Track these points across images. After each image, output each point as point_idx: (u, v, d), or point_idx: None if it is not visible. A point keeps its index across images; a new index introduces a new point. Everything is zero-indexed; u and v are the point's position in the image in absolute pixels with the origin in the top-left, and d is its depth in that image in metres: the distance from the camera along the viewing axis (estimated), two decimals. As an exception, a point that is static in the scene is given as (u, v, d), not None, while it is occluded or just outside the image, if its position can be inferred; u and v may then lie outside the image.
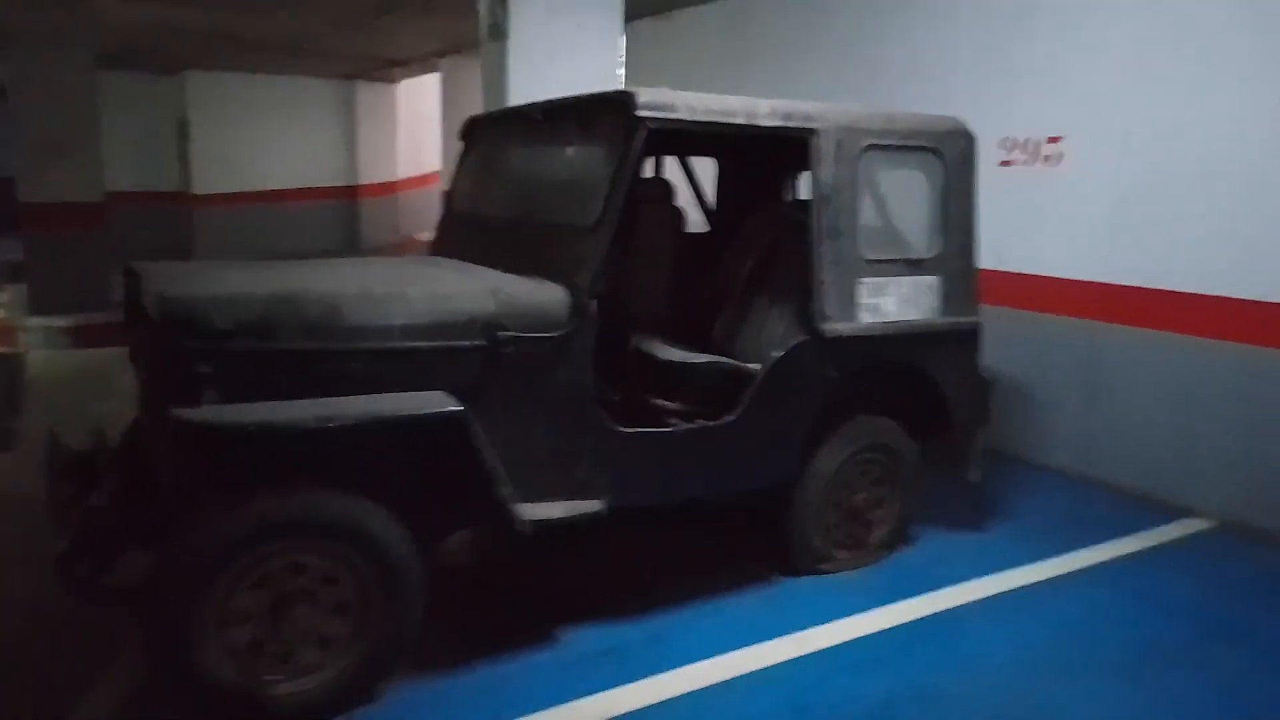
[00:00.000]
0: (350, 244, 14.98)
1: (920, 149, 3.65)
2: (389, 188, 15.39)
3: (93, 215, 8.23)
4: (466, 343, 2.83)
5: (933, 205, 3.74)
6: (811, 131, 3.33)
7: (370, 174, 15.22)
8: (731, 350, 3.77)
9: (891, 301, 3.58)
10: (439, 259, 3.55)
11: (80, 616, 3.18)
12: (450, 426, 2.66)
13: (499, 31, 4.70)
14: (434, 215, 15.06)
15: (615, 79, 4.90)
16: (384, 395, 2.65)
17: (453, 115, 11.67)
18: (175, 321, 2.48)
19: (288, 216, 14.45)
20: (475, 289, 2.91)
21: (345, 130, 14.93)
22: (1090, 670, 3.11)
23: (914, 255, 3.68)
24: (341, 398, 2.59)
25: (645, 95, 2.97)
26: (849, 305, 3.46)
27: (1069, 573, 3.84)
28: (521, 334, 2.87)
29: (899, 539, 3.93)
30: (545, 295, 2.94)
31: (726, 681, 2.94)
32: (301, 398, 2.57)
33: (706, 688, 2.90)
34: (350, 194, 15.16)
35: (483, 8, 4.85)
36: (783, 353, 3.35)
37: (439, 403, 2.66)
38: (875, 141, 3.49)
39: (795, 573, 3.67)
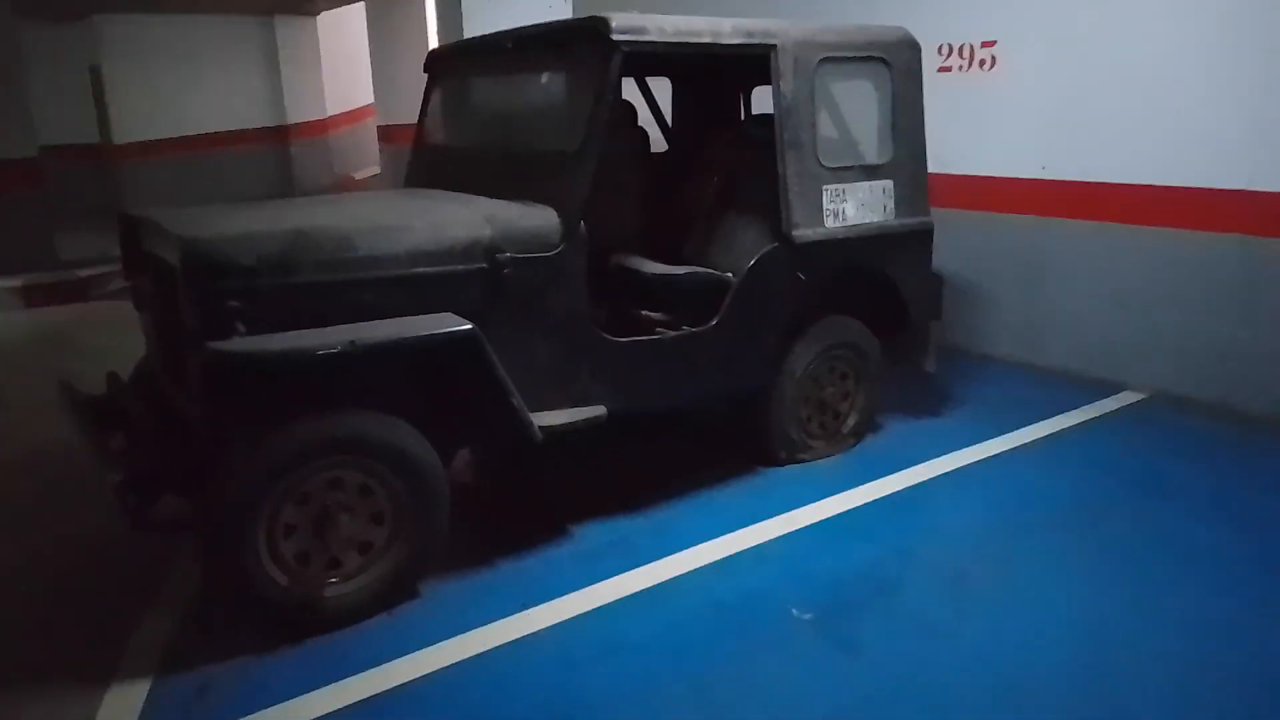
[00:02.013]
0: (283, 187, 14.71)
1: (870, 59, 3.87)
2: (319, 127, 15.09)
3: (30, 171, 8.04)
4: (468, 266, 3.01)
5: (883, 113, 3.97)
6: (771, 47, 3.52)
7: (298, 113, 14.89)
8: (704, 262, 4.00)
9: (851, 206, 3.84)
10: (422, 190, 3.68)
11: (120, 552, 3.38)
12: (465, 344, 2.85)
13: (450, -38, 4.75)
14: (369, 152, 14.91)
15: (565, 4, 4.99)
16: (400, 319, 2.84)
17: (382, 48, 11.51)
18: (203, 260, 2.61)
19: (216, 162, 14.11)
20: (472, 216, 3.08)
21: (268, 69, 14.54)
22: (1040, 527, 3.49)
23: (869, 161, 3.92)
24: (361, 323, 2.77)
25: (619, 20, 3.12)
26: (813, 212, 3.71)
27: (1019, 446, 4.23)
28: (518, 255, 3.07)
29: (867, 428, 4.26)
30: (538, 218, 3.13)
31: (728, 559, 3.25)
32: (320, 326, 2.74)
33: (709, 564, 3.21)
34: (279, 136, 14.83)
35: (431, -62, 4.86)
36: (755, 259, 3.60)
37: (453, 323, 2.86)
38: (829, 54, 3.70)
39: (776, 463, 3.98)
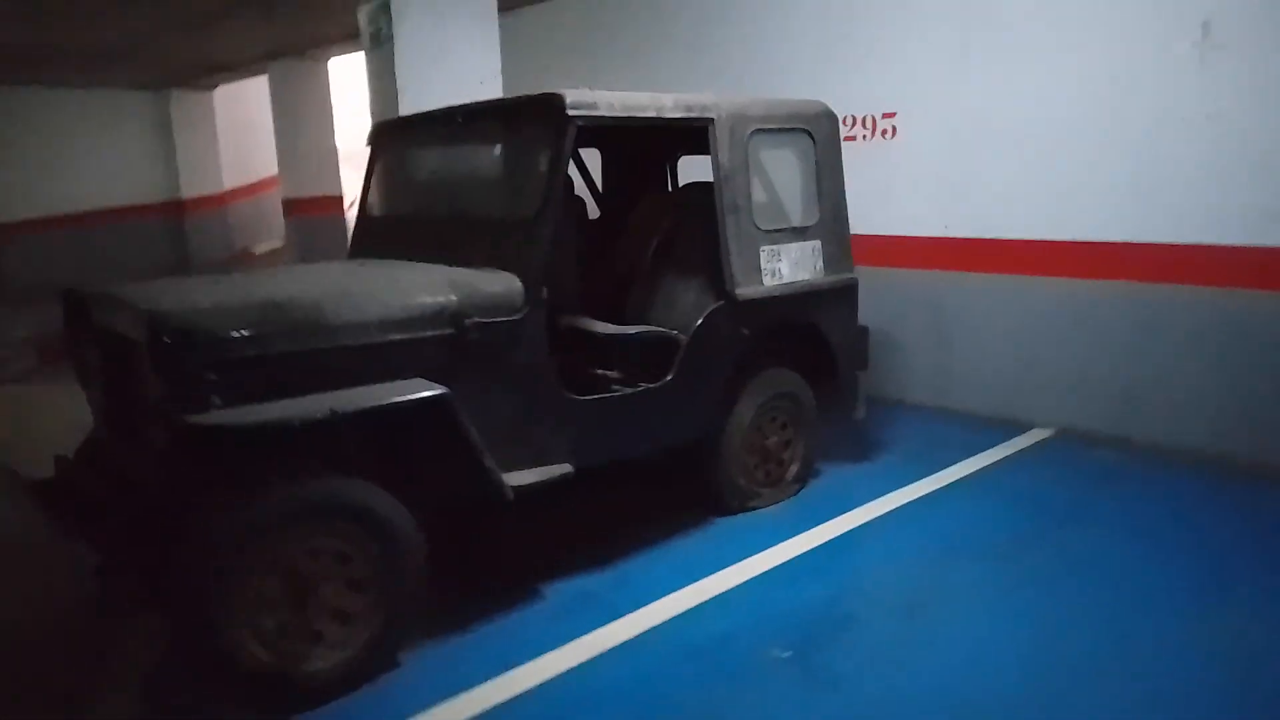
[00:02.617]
0: (179, 262, 14.29)
1: (795, 130, 4.16)
2: (216, 200, 14.77)
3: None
4: (435, 332, 3.09)
5: (808, 178, 4.26)
6: (710, 120, 3.77)
7: (193, 187, 14.55)
8: (645, 321, 4.17)
9: (785, 265, 4.09)
10: (374, 260, 3.73)
11: (73, 631, 3.27)
12: (438, 408, 2.92)
13: (381, 39, 4.86)
14: (268, 225, 14.69)
15: (495, 77, 5.16)
16: (375, 386, 2.89)
17: (286, 121, 11.44)
18: (176, 334, 2.62)
19: (106, 238, 13.61)
20: (436, 282, 3.17)
21: (162, 142, 14.19)
22: (977, 558, 3.72)
23: (798, 224, 4.19)
24: (337, 392, 2.81)
25: (572, 96, 3.31)
26: (753, 271, 3.94)
27: (947, 484, 4.50)
28: (484, 320, 3.16)
29: (808, 474, 4.47)
30: (501, 283, 3.24)
31: (695, 607, 3.35)
32: (294, 396, 2.77)
33: (679, 614, 3.30)
34: (174, 210, 14.44)
35: (363, 18, 4.99)
36: (703, 317, 3.79)
37: (426, 388, 2.92)
38: (760, 125, 3.97)
39: (727, 512, 4.13)
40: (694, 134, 3.88)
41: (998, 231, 5.44)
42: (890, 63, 5.68)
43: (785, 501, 4.31)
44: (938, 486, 4.47)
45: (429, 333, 3.08)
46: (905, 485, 4.46)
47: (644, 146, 4.98)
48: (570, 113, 3.28)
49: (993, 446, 5.00)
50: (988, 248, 5.50)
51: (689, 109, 3.71)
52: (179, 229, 14.48)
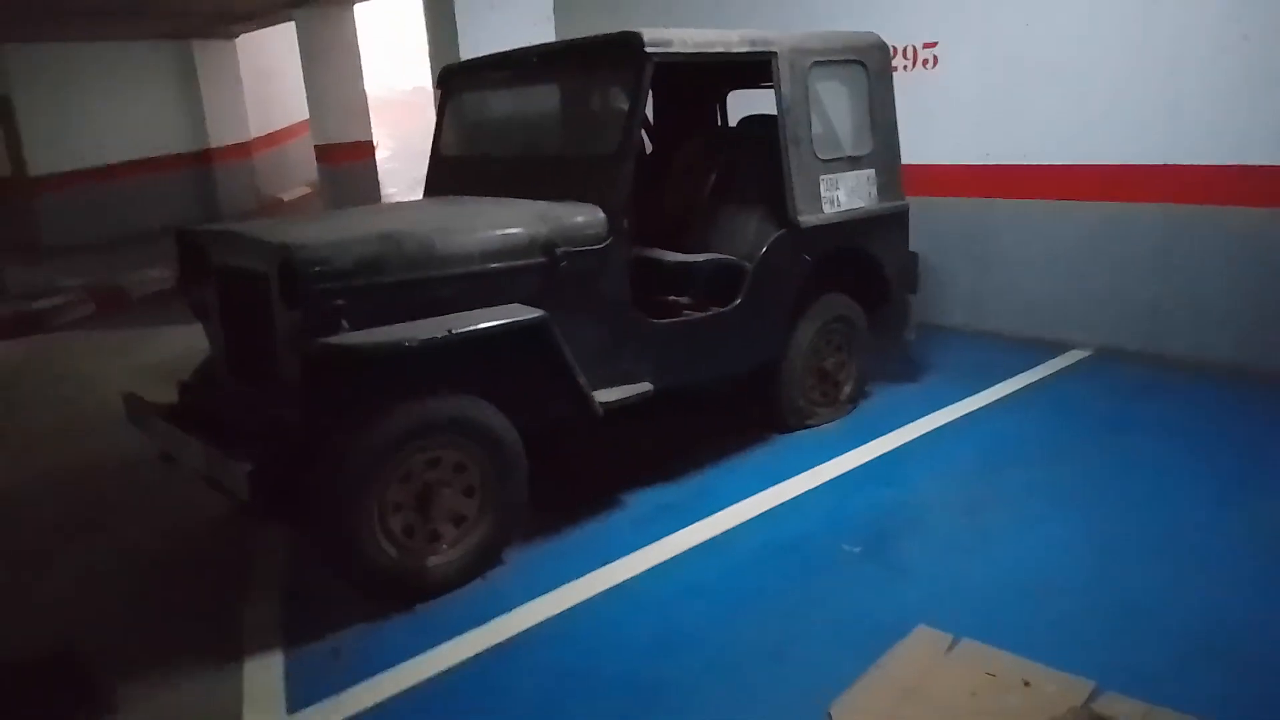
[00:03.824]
0: (209, 212, 14.50)
1: (850, 62, 4.32)
2: (243, 150, 14.93)
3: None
4: (529, 261, 3.33)
5: (862, 109, 4.43)
6: (772, 54, 3.94)
7: (220, 137, 14.69)
8: (706, 251, 4.38)
9: (843, 194, 4.28)
10: (459, 197, 3.94)
11: (199, 542, 3.61)
12: (538, 330, 3.17)
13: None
14: (295, 173, 14.88)
15: (548, 19, 5.31)
16: (482, 310, 3.13)
17: (315, 68, 11.52)
18: (309, 266, 2.86)
19: (137, 190, 13.81)
20: (528, 215, 3.39)
21: (188, 93, 14.31)
22: (1029, 463, 3.98)
23: (854, 153, 4.37)
24: (450, 315, 3.06)
25: (649, 34, 3.48)
26: (814, 200, 4.14)
27: (994, 401, 4.74)
28: (572, 250, 3.39)
29: (861, 394, 4.71)
30: (587, 215, 3.46)
31: (769, 510, 3.63)
32: (409, 320, 3.02)
33: (755, 517, 3.58)
34: (202, 160, 14.60)
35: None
36: (768, 244, 4.00)
37: (526, 311, 3.17)
38: (818, 59, 4.13)
39: (787, 430, 4.39)
40: (752, 69, 4.04)
41: (1035, 158, 5.60)
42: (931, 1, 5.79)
43: (840, 420, 4.56)
44: (985, 403, 4.71)
45: (524, 261, 3.31)
46: (954, 403, 4.71)
47: (695, 82, 5.13)
48: (648, 50, 3.46)
49: (1033, 366, 5.23)
50: (1025, 174, 5.66)
51: (754, 44, 3.88)
52: (208, 178, 14.65)
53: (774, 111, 4.01)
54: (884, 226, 4.52)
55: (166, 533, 3.80)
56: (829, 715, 2.39)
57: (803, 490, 3.80)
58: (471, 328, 2.99)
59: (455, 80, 4.38)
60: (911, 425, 4.44)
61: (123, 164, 13.77)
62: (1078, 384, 4.96)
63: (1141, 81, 5.04)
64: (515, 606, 3.02)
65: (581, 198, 3.52)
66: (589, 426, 3.49)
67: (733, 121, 5.25)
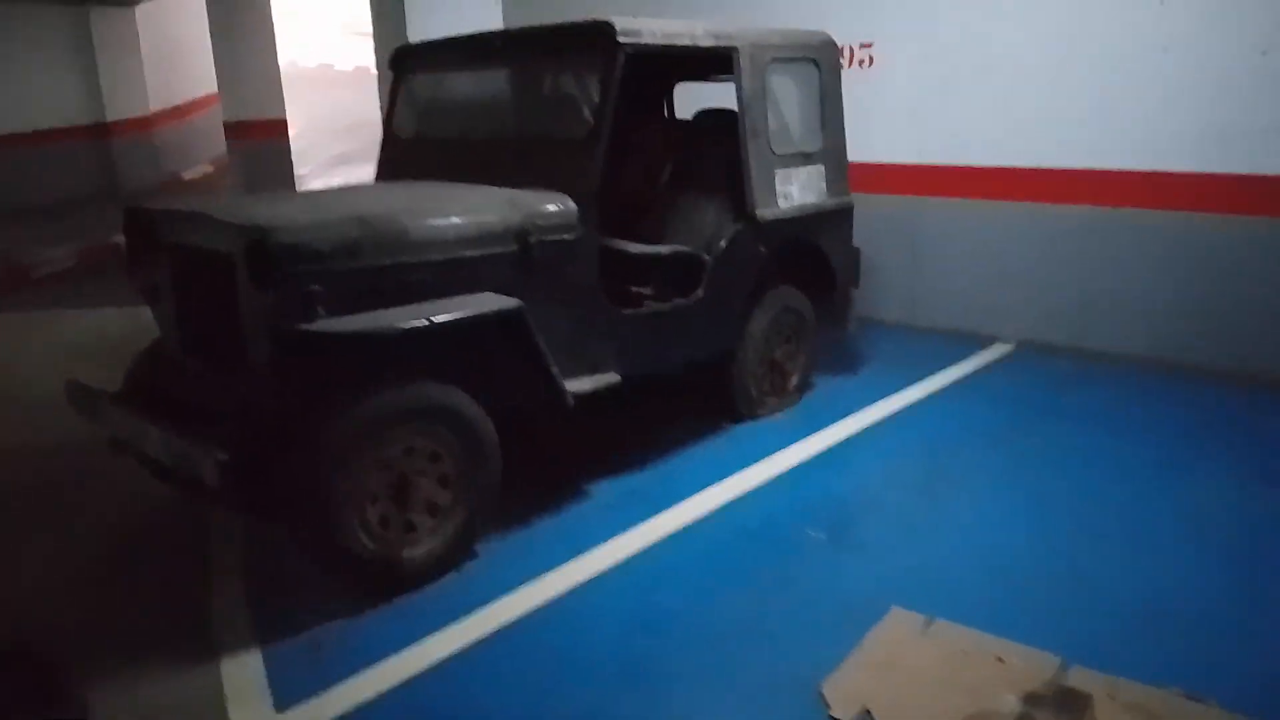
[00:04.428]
0: (106, 189, 13.77)
1: (804, 59, 4.42)
2: (144, 124, 14.21)
3: None
4: (503, 249, 3.31)
5: (814, 106, 4.54)
6: (734, 49, 4.00)
7: (118, 110, 13.95)
8: (660, 241, 4.42)
9: (796, 189, 4.38)
10: (422, 182, 3.86)
11: (157, 531, 3.49)
12: (513, 319, 3.16)
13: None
14: (198, 150, 14.30)
15: (495, 2, 5.25)
16: (457, 298, 3.10)
17: (226, 41, 11.07)
18: (284, 247, 2.78)
19: (28, 162, 13.01)
20: (501, 202, 3.37)
21: (83, 62, 13.52)
22: (971, 448, 4.18)
23: (806, 149, 4.48)
24: (426, 303, 3.02)
25: (620, 23, 3.50)
26: (770, 194, 4.23)
27: (932, 391, 4.94)
28: (544, 239, 3.39)
29: (807, 384, 4.84)
30: (558, 204, 3.46)
31: (735, 499, 3.71)
32: (380, 308, 2.97)
33: (721, 505, 3.66)
34: (99, 133, 13.83)
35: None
36: (729, 237, 4.07)
37: (502, 300, 3.15)
38: (776, 55, 4.22)
39: (739, 419, 4.48)
40: (710, 62, 4.09)
41: (967, 158, 5.83)
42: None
43: (790, 409, 4.68)
44: (924, 394, 4.90)
45: (497, 249, 3.29)
46: (895, 393, 4.88)
47: (646, 73, 5.15)
48: (621, 40, 3.47)
49: (965, 358, 5.46)
50: (957, 174, 5.89)
51: (718, 38, 3.93)
52: (105, 153, 13.90)
53: (723, 105, 4.07)
54: (832, 222, 4.65)
55: (114, 521, 3.66)
56: (821, 693, 2.47)
57: (764, 478, 3.89)
58: (452, 316, 2.96)
59: (411, 61, 4.29)
60: (857, 415, 4.59)
61: (12, 135, 12.95)
62: (1009, 374, 5.22)
63: (1070, 88, 5.31)
64: (495, 597, 3.01)
65: (550, 185, 3.51)
66: (558, 416, 3.49)
67: (681, 114, 5.31)
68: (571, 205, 3.47)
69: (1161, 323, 5.24)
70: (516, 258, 3.34)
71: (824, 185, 4.56)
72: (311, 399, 2.88)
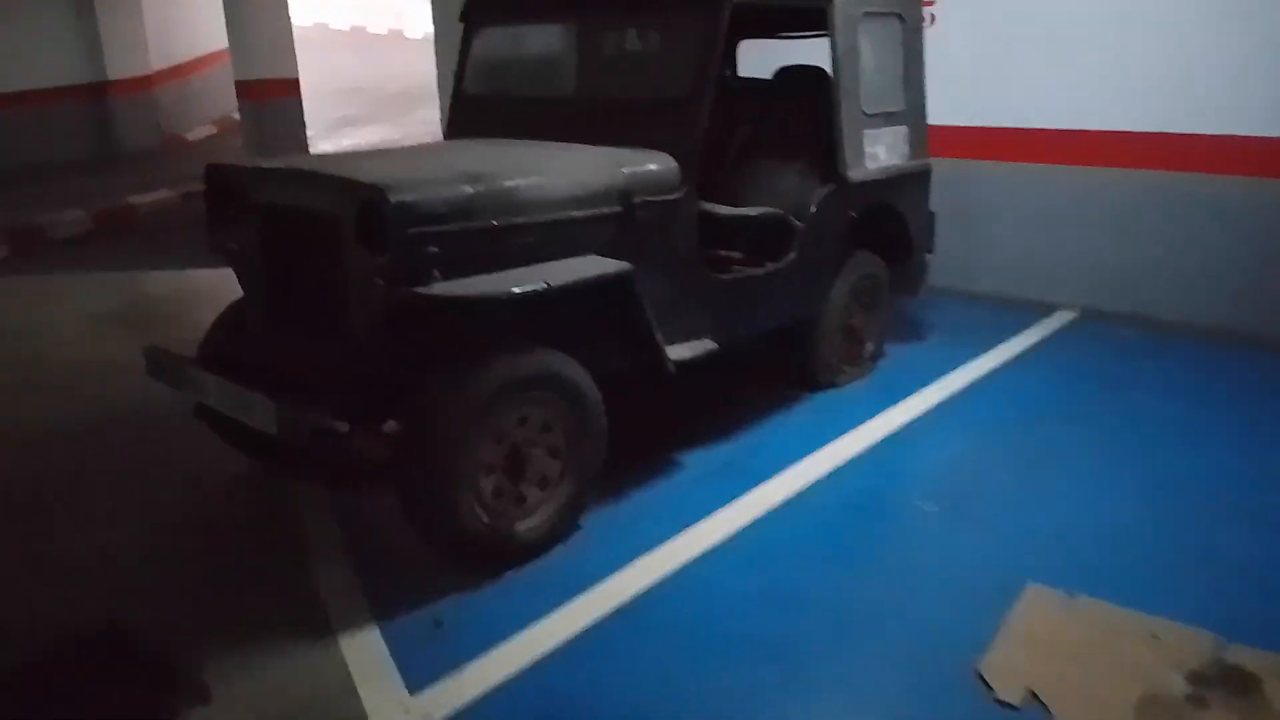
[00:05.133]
0: (106, 149, 13.42)
1: (891, 14, 4.26)
2: (143, 83, 13.82)
3: None
4: (608, 210, 3.16)
5: (897, 64, 4.38)
6: (829, 2, 3.83)
7: (118, 69, 13.54)
8: (740, 203, 4.27)
9: (882, 149, 4.24)
10: (507, 140, 3.68)
11: (243, 504, 3.35)
12: (622, 282, 3.02)
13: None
14: (200, 110, 14.01)
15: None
16: (569, 260, 2.96)
17: (237, -3, 10.73)
18: (402, 206, 2.61)
19: (26, 122, 12.63)
20: (604, 161, 3.21)
21: (84, 19, 13.11)
22: (1054, 419, 4.10)
23: (891, 108, 4.33)
24: (533, 266, 2.88)
25: (727, -25, 3.32)
26: (859, 154, 4.08)
27: (1005, 361, 4.83)
28: (648, 199, 3.24)
29: (880, 352, 4.73)
30: (660, 164, 3.30)
31: (836, 470, 3.61)
32: (491, 270, 2.82)
33: (824, 475, 3.55)
34: (99, 92, 13.45)
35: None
36: (819, 198, 3.93)
37: (612, 263, 3.01)
38: (867, 9, 4.05)
39: (817, 387, 4.37)
40: (800, 17, 3.93)
41: (1027, 121, 5.69)
42: (931, -47, 5.76)
43: (865, 378, 4.57)
44: (999, 362, 4.80)
45: (602, 210, 3.14)
46: (968, 361, 4.77)
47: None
48: (727, -8, 3.31)
49: (1029, 326, 5.36)
50: (1016, 137, 5.75)
51: (815, -10, 3.77)
52: (105, 113, 13.52)
53: (791, 63, 3.89)
54: (912, 184, 4.52)
55: (197, 492, 3.52)
56: (979, 674, 2.38)
57: (857, 449, 3.79)
58: (569, 279, 2.82)
59: (485, 14, 4.09)
60: (936, 384, 4.48)
61: (9, 94, 12.56)
62: (1077, 344, 5.11)
63: (1134, 50, 5.17)
64: (609, 573, 2.90)
65: (649, 144, 3.36)
66: (656, 383, 3.37)
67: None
68: (673, 164, 3.32)
69: (1231, 291, 5.14)
70: (620, 219, 3.19)
71: (907, 147, 4.42)
72: (427, 367, 2.73)
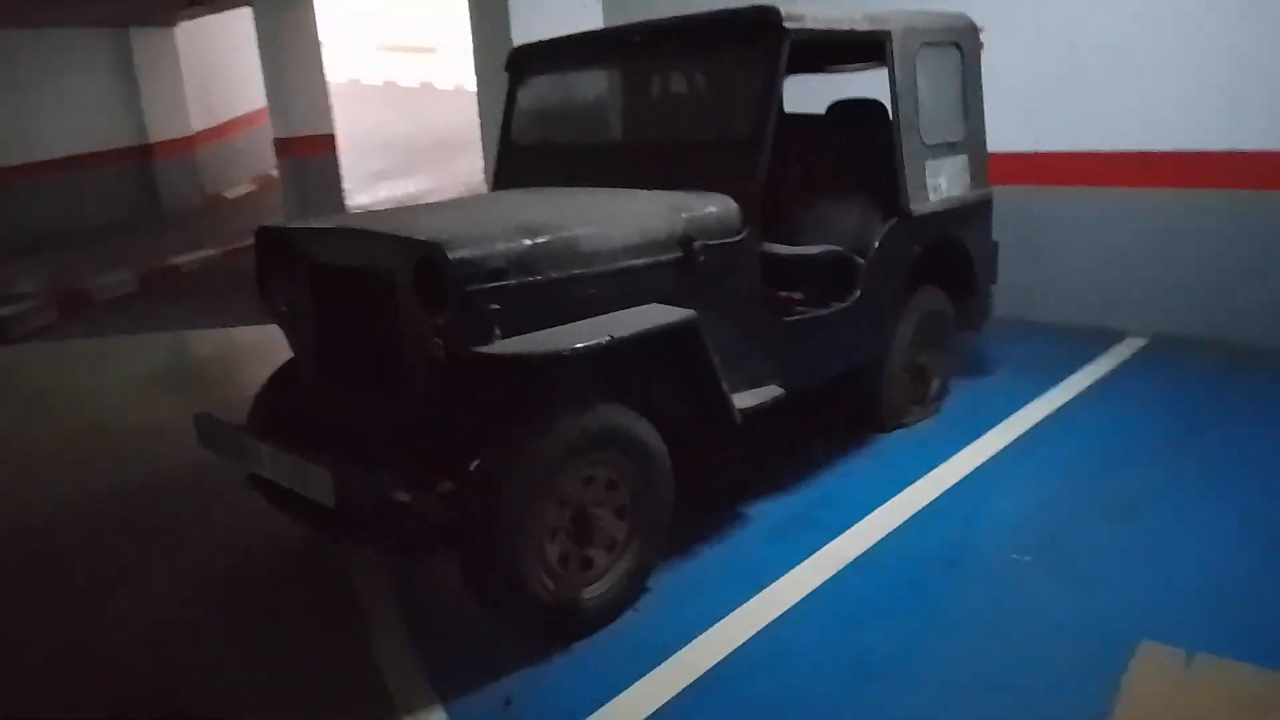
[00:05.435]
0: (150, 209, 13.65)
1: (949, 44, 4.12)
2: (186, 144, 14.10)
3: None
4: (667, 256, 3.03)
5: (956, 93, 4.24)
6: (888, 34, 3.71)
7: (160, 131, 13.83)
8: (798, 241, 4.12)
9: (944, 181, 4.08)
10: (561, 189, 3.57)
11: (290, 568, 3.23)
12: (687, 331, 2.88)
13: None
14: (239, 170, 14.31)
15: (596, 4, 4.99)
16: (631, 310, 2.83)
17: (275, 58, 10.88)
18: (461, 262, 2.50)
19: (74, 186, 12.90)
20: (661, 206, 3.09)
21: (125, 84, 13.43)
22: (1142, 460, 3.82)
23: (951, 139, 4.18)
24: (597, 318, 2.75)
25: (786, 9, 3.21)
26: (921, 187, 3.93)
27: (1079, 394, 4.61)
28: (709, 243, 3.11)
29: (946, 390, 4.53)
30: (720, 206, 3.17)
31: (911, 518, 3.40)
32: (552, 324, 2.70)
33: (898, 527, 3.35)
34: (142, 155, 13.73)
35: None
36: (882, 234, 3.78)
37: (675, 312, 2.87)
38: (925, 40, 3.92)
39: (883, 430, 4.17)
40: (859, 49, 3.82)
41: (1087, 144, 5.51)
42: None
43: (932, 417, 4.37)
44: (1070, 396, 4.57)
45: (662, 257, 3.01)
46: (1039, 396, 4.55)
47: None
48: (788, 25, 3.19)
49: (1099, 356, 5.13)
50: (1076, 161, 5.57)
51: (874, 22, 3.65)
52: (148, 174, 13.79)
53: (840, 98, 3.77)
54: (974, 215, 4.36)
55: (252, 561, 3.42)
56: (1105, 752, 2.17)
57: (932, 495, 3.58)
58: (634, 331, 2.68)
59: (531, 62, 4.02)
60: (1008, 422, 4.26)
61: (59, 159, 12.84)
62: (1153, 373, 4.87)
63: (1199, 65, 4.99)
64: (685, 641, 2.71)
65: (709, 186, 3.23)
66: (722, 436, 3.21)
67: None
68: (734, 206, 3.19)
69: (1316, 314, 4.89)
70: (680, 264, 3.06)
71: (968, 177, 4.26)
72: (488, 428, 2.60)
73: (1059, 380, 4.78)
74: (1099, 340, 5.37)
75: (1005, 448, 4.02)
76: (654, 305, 2.92)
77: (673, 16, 3.48)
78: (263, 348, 5.70)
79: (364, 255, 2.80)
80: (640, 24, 3.60)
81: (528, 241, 2.66)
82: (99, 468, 4.44)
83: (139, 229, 12.10)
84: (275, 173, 13.15)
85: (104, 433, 4.93)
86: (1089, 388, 4.71)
